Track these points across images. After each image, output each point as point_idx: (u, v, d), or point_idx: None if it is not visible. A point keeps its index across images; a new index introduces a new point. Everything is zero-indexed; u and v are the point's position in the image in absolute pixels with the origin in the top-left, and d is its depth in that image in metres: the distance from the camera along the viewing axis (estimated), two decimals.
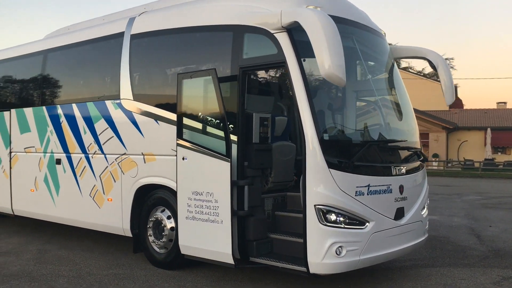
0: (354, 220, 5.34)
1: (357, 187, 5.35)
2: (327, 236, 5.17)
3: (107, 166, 7.36)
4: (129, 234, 7.11)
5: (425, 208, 6.57)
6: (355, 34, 6.17)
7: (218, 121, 5.73)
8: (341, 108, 5.90)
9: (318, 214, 5.17)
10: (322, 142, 5.18)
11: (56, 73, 8.66)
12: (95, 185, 7.56)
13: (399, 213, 5.86)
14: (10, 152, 9.15)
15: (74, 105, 7.92)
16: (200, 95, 6.01)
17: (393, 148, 6.05)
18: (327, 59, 4.77)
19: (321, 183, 5.19)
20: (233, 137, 5.77)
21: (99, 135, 7.47)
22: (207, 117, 5.87)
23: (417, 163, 6.48)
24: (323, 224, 5.17)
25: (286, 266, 5.50)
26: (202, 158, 5.86)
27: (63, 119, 8.08)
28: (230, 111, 5.80)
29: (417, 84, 40.38)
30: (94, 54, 7.99)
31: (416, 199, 6.27)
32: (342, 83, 4.91)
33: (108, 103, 7.34)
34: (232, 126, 5.80)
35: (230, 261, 5.67)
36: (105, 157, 7.40)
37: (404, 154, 6.28)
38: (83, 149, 7.73)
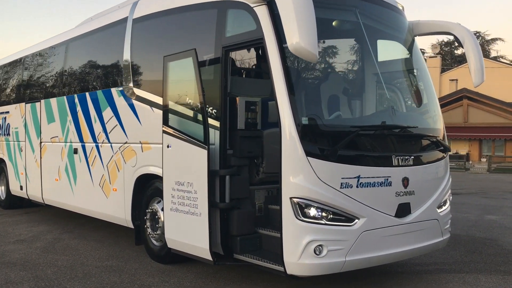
0: (340, 216, 4.69)
1: (342, 178, 4.69)
2: (304, 233, 4.58)
3: (112, 155, 7.21)
4: (131, 225, 6.90)
5: (446, 205, 5.74)
6: (358, 7, 5.48)
7: (198, 105, 5.31)
8: (327, 90, 5.20)
9: (294, 208, 4.59)
10: (299, 127, 4.59)
11: (74, 63, 8.66)
12: (103, 174, 7.45)
13: (403, 210, 5.11)
14: (41, 142, 9.32)
15: (87, 94, 7.87)
16: (182, 78, 5.61)
17: (395, 136, 5.27)
18: (295, 33, 4.19)
19: (297, 174, 4.60)
20: (216, 123, 5.33)
21: (106, 123, 7.34)
22: (188, 102, 5.47)
23: (434, 154, 5.65)
24: (300, 220, 4.58)
25: (266, 265, 4.98)
26: (183, 145, 5.47)
27: (79, 109, 8.05)
28: (212, 94, 5.36)
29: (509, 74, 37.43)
30: (104, 42, 7.87)
31: (430, 194, 5.46)
32: (313, 59, 4.31)
33: (113, 91, 7.19)
34: (216, 111, 5.36)
35: (208, 257, 5.23)
36: (111, 146, 7.25)
37: (413, 142, 5.49)
38: (94, 138, 7.65)
